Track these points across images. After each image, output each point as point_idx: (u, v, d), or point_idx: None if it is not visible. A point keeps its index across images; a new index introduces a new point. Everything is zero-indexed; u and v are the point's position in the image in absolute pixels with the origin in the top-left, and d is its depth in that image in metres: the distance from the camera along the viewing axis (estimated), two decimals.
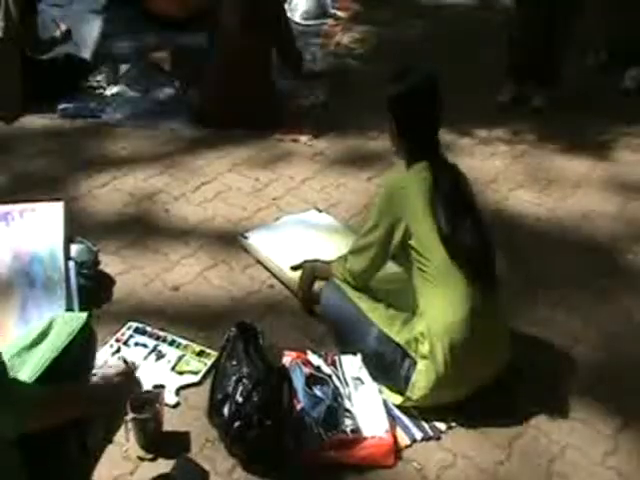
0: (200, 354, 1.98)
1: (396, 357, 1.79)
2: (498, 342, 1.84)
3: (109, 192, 2.69)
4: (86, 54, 3.52)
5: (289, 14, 4.44)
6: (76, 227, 2.27)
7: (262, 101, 3.12)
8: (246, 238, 2.43)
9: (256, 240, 2.41)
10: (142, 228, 2.51)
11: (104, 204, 2.63)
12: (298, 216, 2.57)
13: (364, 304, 1.89)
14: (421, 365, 1.77)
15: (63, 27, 3.39)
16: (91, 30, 3.72)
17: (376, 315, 1.86)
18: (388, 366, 1.82)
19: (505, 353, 1.86)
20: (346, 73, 3.74)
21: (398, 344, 1.79)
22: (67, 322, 1.60)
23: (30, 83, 3.09)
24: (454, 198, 1.80)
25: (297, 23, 4.32)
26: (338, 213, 2.63)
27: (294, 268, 2.19)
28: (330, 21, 4.39)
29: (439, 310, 1.76)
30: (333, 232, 2.49)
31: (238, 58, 3.02)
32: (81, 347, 1.58)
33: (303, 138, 3.13)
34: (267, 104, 3.17)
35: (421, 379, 1.77)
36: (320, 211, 2.61)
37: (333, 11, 4.50)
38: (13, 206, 2.28)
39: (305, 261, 2.15)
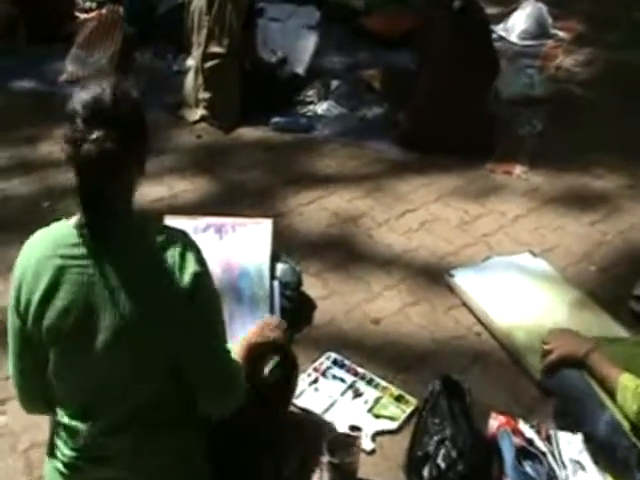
0: (399, 399, 1.86)
1: (630, 456, 1.52)
2: None
3: (315, 210, 2.68)
4: (300, 69, 3.60)
5: (504, 34, 4.25)
6: (281, 244, 2.28)
7: (473, 128, 2.94)
8: (452, 276, 2.27)
9: (463, 280, 2.24)
10: (345, 252, 2.46)
11: (309, 222, 2.62)
12: (510, 258, 2.36)
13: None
14: None
15: (280, 54, 3.51)
16: (306, 46, 3.79)
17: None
18: (619, 461, 1.56)
19: None
20: (568, 100, 3.42)
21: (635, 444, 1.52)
22: None
23: (247, 96, 3.22)
24: None
25: (513, 43, 4.08)
26: (554, 259, 2.37)
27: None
28: (550, 42, 4.08)
29: None
30: (548, 281, 2.25)
31: (448, 82, 2.87)
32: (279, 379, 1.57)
33: (517, 171, 2.90)
34: (478, 131, 2.98)
35: None
36: (535, 255, 2.37)
37: (554, 31, 4.17)
38: (227, 219, 2.35)
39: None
